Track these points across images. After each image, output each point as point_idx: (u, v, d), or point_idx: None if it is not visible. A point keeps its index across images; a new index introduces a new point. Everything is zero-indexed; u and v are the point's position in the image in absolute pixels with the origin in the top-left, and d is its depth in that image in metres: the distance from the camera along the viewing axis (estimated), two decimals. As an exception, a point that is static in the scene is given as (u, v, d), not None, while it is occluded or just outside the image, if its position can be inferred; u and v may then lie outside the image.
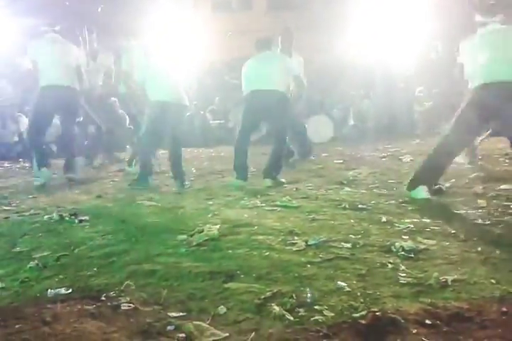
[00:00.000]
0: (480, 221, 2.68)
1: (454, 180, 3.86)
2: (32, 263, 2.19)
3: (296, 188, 4.02)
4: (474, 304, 1.60)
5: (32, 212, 3.52)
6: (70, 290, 1.82)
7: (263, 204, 3.40)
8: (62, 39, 4.93)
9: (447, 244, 2.30)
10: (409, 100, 8.86)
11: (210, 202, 3.54)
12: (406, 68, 9.09)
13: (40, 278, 2.01)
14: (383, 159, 5.71)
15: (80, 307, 1.65)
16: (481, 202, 3.15)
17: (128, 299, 1.71)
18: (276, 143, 4.44)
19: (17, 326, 1.52)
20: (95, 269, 2.09)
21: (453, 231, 2.51)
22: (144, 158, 4.68)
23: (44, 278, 2.01)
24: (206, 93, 11.35)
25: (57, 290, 1.82)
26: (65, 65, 4.80)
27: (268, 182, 4.30)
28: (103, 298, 1.73)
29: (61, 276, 2.00)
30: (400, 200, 3.32)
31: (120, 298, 1.72)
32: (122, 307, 1.64)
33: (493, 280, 1.81)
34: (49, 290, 1.82)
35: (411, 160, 5.34)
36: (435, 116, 8.14)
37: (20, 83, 11.63)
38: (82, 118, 6.06)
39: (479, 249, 2.21)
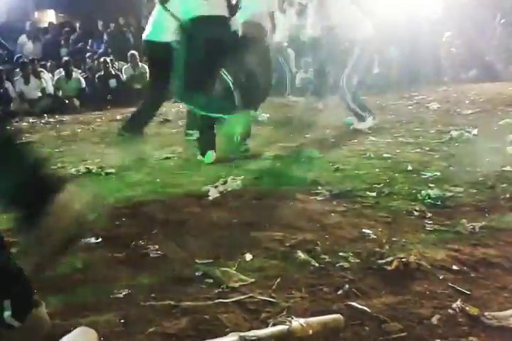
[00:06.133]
0: (508, 168, 2.62)
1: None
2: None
3: (320, 138, 3.97)
4: (502, 250, 1.59)
5: (59, 165, 3.58)
6: (100, 239, 1.86)
7: (286, 155, 3.38)
8: None
9: (475, 191, 2.27)
10: (436, 46, 8.50)
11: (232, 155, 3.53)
12: (433, 11, 8.68)
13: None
14: (409, 107, 5.58)
15: (109, 255, 1.70)
16: (510, 148, 3.07)
17: (156, 247, 1.74)
18: None
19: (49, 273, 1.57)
20: (123, 219, 2.13)
21: (481, 179, 2.46)
22: None
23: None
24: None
25: (87, 239, 1.86)
26: None
27: None
28: (132, 246, 1.77)
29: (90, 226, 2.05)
30: (427, 148, 3.25)
31: (149, 246, 1.76)
32: (151, 255, 1.68)
33: (521, 227, 1.79)
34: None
35: (438, 107, 5.20)
36: (462, 62, 7.85)
37: (39, 38, 11.56)
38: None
39: (507, 195, 2.17)
